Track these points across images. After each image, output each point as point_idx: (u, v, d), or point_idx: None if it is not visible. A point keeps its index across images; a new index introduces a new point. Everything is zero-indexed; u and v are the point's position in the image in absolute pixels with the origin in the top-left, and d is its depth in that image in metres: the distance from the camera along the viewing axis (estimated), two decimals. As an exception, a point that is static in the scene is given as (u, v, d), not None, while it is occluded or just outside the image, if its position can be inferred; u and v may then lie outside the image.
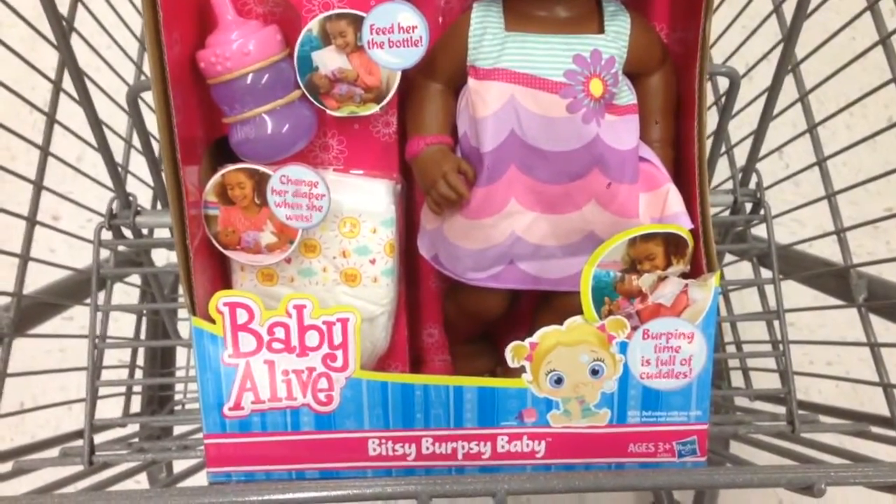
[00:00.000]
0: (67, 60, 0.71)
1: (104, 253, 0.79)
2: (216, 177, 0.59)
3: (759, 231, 0.85)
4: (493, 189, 0.59)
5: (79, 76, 0.72)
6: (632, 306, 0.59)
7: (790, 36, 0.73)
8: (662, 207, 0.60)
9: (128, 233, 0.77)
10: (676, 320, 0.58)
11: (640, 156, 0.60)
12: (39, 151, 0.76)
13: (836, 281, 0.82)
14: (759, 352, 0.92)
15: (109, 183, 0.76)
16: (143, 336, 0.98)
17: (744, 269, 0.94)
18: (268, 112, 0.57)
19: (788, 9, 0.77)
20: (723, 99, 0.73)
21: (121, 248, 0.81)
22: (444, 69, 0.60)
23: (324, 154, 0.62)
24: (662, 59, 0.61)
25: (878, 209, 1.11)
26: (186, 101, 0.57)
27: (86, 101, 0.74)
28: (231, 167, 0.59)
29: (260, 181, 0.59)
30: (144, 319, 0.98)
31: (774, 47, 0.79)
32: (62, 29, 0.70)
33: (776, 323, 0.78)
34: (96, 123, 0.75)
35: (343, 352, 0.57)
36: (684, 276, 0.59)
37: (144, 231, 0.80)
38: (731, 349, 0.95)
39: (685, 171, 0.62)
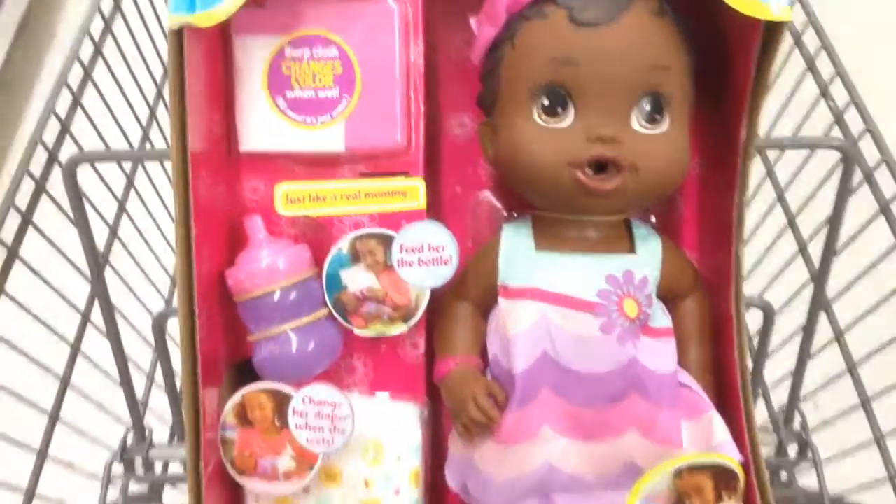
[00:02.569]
0: (99, 293, 0.72)
1: (112, 495, 0.75)
2: (236, 396, 0.57)
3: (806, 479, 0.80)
4: (525, 413, 0.56)
5: (109, 309, 0.72)
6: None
7: (821, 274, 0.73)
8: (707, 437, 0.56)
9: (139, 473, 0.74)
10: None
11: (680, 381, 0.57)
12: (59, 384, 0.74)
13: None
14: None
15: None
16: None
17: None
18: (294, 329, 0.56)
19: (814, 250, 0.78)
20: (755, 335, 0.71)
21: (132, 487, 0.77)
22: (474, 289, 0.59)
23: (348, 376, 0.61)
24: (694, 283, 0.61)
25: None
26: (212, 320, 0.56)
27: (113, 333, 0.73)
28: (252, 387, 0.57)
29: (281, 402, 0.56)
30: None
31: (806, 285, 0.78)
32: (97, 262, 0.71)
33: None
34: (121, 355, 0.74)
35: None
36: (737, 514, 0.54)
37: (157, 469, 0.77)
38: None
39: (727, 399, 0.59)
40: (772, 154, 0.91)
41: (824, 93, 0.83)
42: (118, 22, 0.86)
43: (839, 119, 0.81)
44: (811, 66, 0.86)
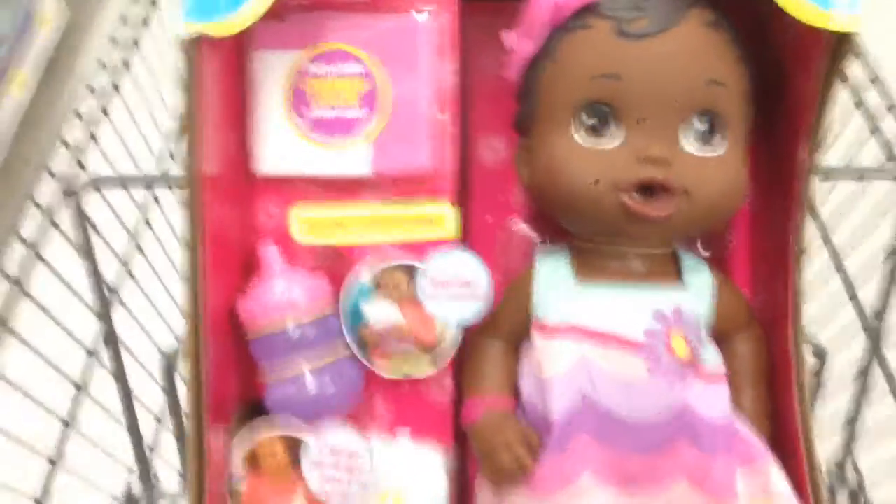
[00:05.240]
0: (106, 329, 0.68)
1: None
2: (248, 444, 0.52)
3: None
4: (562, 460, 0.51)
5: (115, 346, 0.68)
6: None
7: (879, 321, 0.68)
8: (765, 486, 0.51)
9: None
10: None
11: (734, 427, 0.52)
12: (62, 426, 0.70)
13: None
14: None
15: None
16: None
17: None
18: (311, 370, 0.52)
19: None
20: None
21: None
22: (505, 325, 0.55)
23: (369, 419, 0.56)
24: (749, 321, 0.56)
25: None
26: (224, 356, 0.52)
27: (119, 373, 0.69)
28: (266, 433, 0.52)
29: (296, 449, 0.52)
30: None
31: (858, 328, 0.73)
32: (103, 294, 0.67)
33: None
34: (127, 396, 0.70)
35: None
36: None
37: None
38: None
39: (784, 449, 0.54)
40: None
41: (875, 123, 0.79)
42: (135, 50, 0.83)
43: (891, 147, 0.77)
44: (858, 97, 0.81)
